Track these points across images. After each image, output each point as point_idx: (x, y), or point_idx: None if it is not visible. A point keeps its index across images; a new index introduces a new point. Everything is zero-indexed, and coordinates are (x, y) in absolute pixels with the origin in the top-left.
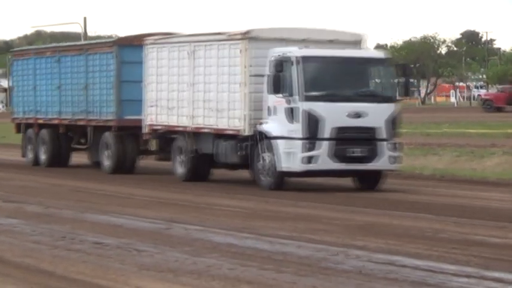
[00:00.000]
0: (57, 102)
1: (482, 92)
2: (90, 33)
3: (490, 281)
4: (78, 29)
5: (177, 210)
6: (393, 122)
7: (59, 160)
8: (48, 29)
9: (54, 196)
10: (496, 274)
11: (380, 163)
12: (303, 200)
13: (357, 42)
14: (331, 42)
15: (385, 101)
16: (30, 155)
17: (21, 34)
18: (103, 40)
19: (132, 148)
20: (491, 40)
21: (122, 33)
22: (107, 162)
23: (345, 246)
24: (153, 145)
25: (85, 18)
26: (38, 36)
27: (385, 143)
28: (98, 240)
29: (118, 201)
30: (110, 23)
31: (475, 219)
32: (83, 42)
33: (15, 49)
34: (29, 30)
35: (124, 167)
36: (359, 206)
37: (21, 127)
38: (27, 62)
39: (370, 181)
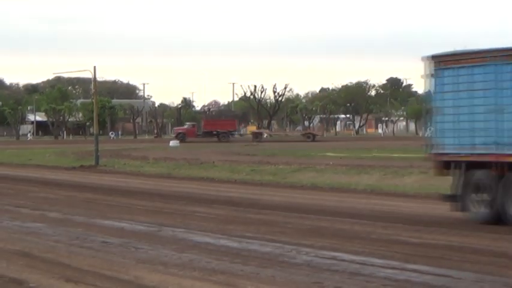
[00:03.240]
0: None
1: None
2: (99, 78)
3: (410, 272)
4: (88, 74)
5: (166, 216)
6: None
7: None
8: (66, 75)
9: (70, 205)
10: (415, 266)
11: None
12: (267, 207)
13: None
14: None
15: None
16: (481, 209)
17: (44, 79)
18: None
19: None
20: (410, 85)
21: (122, 77)
22: None
23: (297, 244)
24: None
25: (94, 67)
26: (58, 81)
27: None
28: (104, 240)
29: (119, 209)
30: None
31: (397, 223)
32: None
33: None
34: (51, 76)
35: None
36: (308, 213)
37: (451, 165)
38: (456, 72)
39: None
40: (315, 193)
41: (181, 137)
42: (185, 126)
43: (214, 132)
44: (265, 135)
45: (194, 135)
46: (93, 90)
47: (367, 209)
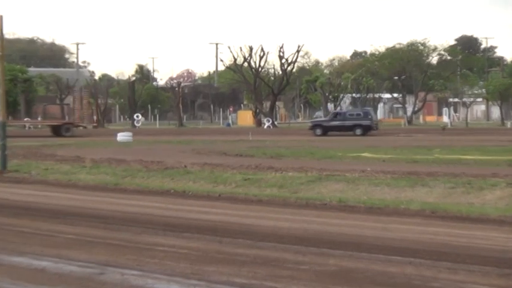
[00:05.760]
0: None
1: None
2: (8, 35)
3: None
4: None
5: (111, 251)
6: None
7: None
8: None
9: None
10: None
11: None
12: (266, 238)
13: None
14: None
15: None
16: None
17: None
18: None
19: None
20: (492, 48)
21: (44, 35)
22: None
23: None
24: None
25: (1, 17)
26: None
27: None
28: None
29: (38, 239)
30: (32, 22)
31: (473, 264)
32: None
33: None
34: None
35: None
36: (333, 247)
37: None
38: None
39: None
40: (343, 215)
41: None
42: None
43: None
44: (266, 125)
45: None
46: None
47: (424, 240)
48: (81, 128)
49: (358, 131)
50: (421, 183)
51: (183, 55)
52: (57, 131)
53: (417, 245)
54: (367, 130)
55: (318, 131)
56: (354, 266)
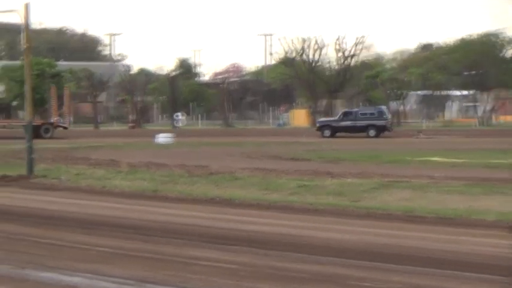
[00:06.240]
0: None
1: None
2: (34, 25)
3: None
4: (17, 18)
5: (150, 265)
6: None
7: None
8: None
9: None
10: None
11: None
12: (323, 251)
13: None
14: None
15: None
16: None
17: None
18: None
19: None
20: None
21: (74, 24)
22: None
23: None
24: None
25: (27, 5)
26: None
27: None
28: None
29: (69, 252)
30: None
31: None
32: None
33: None
34: None
35: None
36: (399, 262)
37: None
38: None
39: None
40: (409, 227)
41: None
42: None
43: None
44: None
45: None
46: (23, 46)
47: (502, 255)
48: (61, 129)
49: (372, 132)
50: (498, 191)
51: (229, 47)
52: (35, 132)
53: (494, 260)
54: (381, 131)
55: (327, 132)
56: (422, 283)
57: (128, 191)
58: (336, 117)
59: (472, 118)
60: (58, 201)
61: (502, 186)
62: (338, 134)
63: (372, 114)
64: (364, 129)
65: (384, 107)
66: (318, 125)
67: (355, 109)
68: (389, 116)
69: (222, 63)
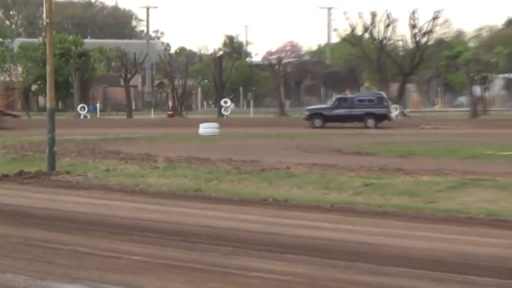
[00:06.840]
0: None
1: None
2: None
3: None
4: None
5: (192, 277)
6: None
7: None
8: None
9: None
10: None
11: None
12: (394, 261)
13: None
14: None
15: None
16: None
17: None
18: None
19: None
20: None
21: None
22: None
23: None
24: None
25: None
26: None
27: None
28: None
29: (96, 261)
30: None
31: None
32: None
33: None
34: None
35: None
36: (482, 274)
37: None
38: None
39: None
40: (493, 233)
41: None
42: None
43: None
44: (395, 114)
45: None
46: (45, 21)
47: None
48: (11, 117)
49: (370, 122)
50: None
51: (285, 23)
52: None
53: None
54: (380, 120)
55: (318, 122)
56: None
57: (166, 190)
58: (329, 104)
59: None
60: (84, 202)
61: None
62: (329, 125)
63: (370, 100)
64: (361, 118)
65: (383, 93)
66: (307, 113)
67: (352, 95)
68: (389, 103)
69: (276, 42)
